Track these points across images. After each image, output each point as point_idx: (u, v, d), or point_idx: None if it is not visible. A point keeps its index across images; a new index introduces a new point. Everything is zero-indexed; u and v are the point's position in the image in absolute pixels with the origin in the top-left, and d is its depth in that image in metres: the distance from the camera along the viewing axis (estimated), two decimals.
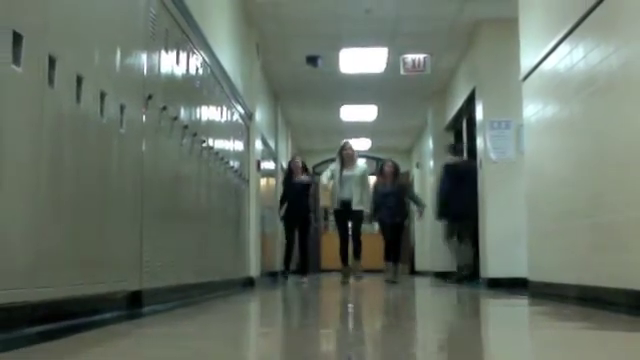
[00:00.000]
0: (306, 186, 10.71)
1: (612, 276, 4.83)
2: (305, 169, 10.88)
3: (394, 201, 10.55)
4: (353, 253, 10.38)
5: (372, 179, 11.41)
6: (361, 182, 10.22)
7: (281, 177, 12.57)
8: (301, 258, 10.81)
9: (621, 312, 4.28)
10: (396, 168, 10.90)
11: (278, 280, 11.53)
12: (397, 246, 10.87)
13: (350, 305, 5.92)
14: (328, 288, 9.57)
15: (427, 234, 14.40)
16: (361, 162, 10.72)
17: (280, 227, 11.97)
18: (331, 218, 23.77)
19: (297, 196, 10.57)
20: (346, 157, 10.25)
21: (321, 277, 14.56)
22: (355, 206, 10.11)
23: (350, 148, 10.38)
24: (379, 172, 10.83)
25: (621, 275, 4.67)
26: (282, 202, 10.91)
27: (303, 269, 10.68)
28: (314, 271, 16.00)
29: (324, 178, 10.43)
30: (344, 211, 10.17)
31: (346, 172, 10.14)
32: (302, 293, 7.74)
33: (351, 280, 10.20)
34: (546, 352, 2.73)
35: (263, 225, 10.53)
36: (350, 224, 10.39)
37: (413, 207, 12.07)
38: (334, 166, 10.35)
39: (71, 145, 3.38)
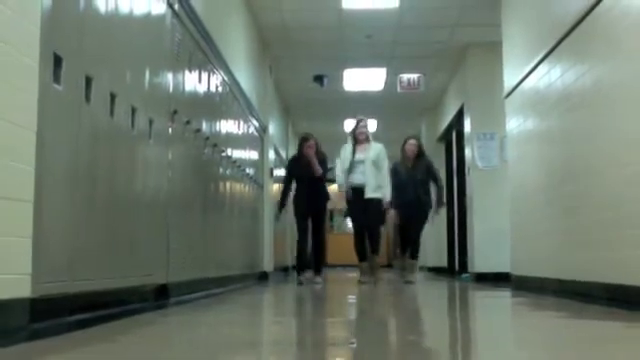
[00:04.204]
0: (320, 177, 7.90)
1: (586, 271, 4.82)
2: (318, 152, 7.94)
3: (418, 187, 8.03)
4: (370, 248, 7.81)
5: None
6: (377, 165, 7.71)
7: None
8: (314, 253, 8.23)
9: (595, 303, 4.26)
10: (420, 147, 8.31)
11: (289, 275, 11.45)
12: (417, 240, 8.25)
13: (353, 301, 5.90)
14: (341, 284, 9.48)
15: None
16: (376, 143, 7.97)
17: (289, 226, 11.88)
18: (334, 219, 23.70)
19: (311, 184, 7.87)
20: (359, 136, 7.86)
21: (328, 271, 14.51)
22: (370, 193, 7.61)
23: (364, 127, 7.97)
24: (401, 151, 8.28)
25: (594, 270, 4.65)
26: (285, 194, 8.21)
27: (316, 266, 8.14)
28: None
29: (339, 171, 7.84)
30: (357, 199, 7.66)
31: (359, 155, 7.72)
32: (312, 287, 7.46)
33: (367, 280, 7.67)
34: (524, 335, 2.72)
35: (276, 225, 10.52)
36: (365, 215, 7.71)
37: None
38: (345, 148, 7.90)
39: (105, 154, 3.39)
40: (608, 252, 4.40)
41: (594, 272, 4.64)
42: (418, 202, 8.02)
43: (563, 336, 2.72)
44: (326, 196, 8.07)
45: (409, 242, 8.25)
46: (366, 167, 7.67)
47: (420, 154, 8.20)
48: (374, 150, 7.79)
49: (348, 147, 7.86)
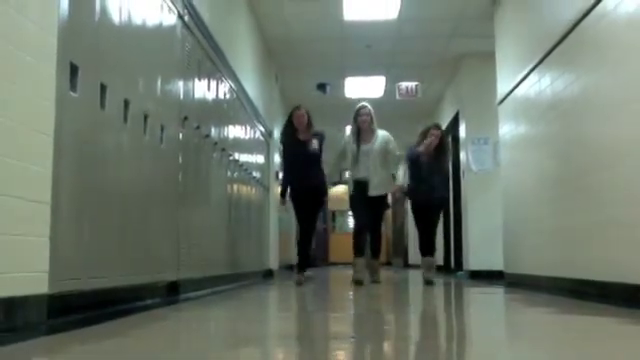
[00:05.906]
0: (317, 153, 6.50)
1: (577, 268, 4.80)
2: (311, 125, 6.56)
3: (437, 179, 6.93)
4: (370, 250, 6.90)
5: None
6: (382, 157, 6.59)
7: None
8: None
9: (586, 300, 4.25)
10: (443, 138, 6.99)
11: (294, 272, 11.37)
12: (433, 234, 6.98)
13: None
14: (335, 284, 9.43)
15: None
16: (382, 131, 6.74)
17: (294, 225, 11.85)
18: (336, 219, 23.54)
19: (307, 165, 6.49)
20: (362, 124, 6.58)
21: (329, 270, 14.50)
22: (374, 190, 6.56)
23: (367, 114, 6.60)
24: (422, 138, 6.96)
25: (584, 267, 4.64)
26: (286, 177, 6.80)
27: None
28: (318, 265, 15.69)
29: (334, 157, 6.89)
30: (361, 194, 6.57)
31: (363, 146, 6.59)
32: (314, 284, 7.47)
33: (365, 281, 6.53)
34: (519, 330, 2.72)
35: (280, 225, 10.51)
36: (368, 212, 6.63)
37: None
38: (347, 139, 6.84)
39: (119, 158, 3.38)
40: (597, 251, 4.39)
41: (584, 270, 4.63)
42: (435, 197, 6.90)
43: (558, 332, 2.71)
44: (324, 182, 6.71)
45: (427, 238, 6.99)
46: (370, 160, 6.56)
47: (440, 146, 6.92)
48: (380, 140, 6.62)
49: (351, 137, 6.72)
